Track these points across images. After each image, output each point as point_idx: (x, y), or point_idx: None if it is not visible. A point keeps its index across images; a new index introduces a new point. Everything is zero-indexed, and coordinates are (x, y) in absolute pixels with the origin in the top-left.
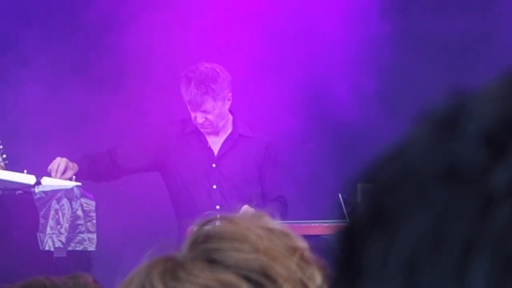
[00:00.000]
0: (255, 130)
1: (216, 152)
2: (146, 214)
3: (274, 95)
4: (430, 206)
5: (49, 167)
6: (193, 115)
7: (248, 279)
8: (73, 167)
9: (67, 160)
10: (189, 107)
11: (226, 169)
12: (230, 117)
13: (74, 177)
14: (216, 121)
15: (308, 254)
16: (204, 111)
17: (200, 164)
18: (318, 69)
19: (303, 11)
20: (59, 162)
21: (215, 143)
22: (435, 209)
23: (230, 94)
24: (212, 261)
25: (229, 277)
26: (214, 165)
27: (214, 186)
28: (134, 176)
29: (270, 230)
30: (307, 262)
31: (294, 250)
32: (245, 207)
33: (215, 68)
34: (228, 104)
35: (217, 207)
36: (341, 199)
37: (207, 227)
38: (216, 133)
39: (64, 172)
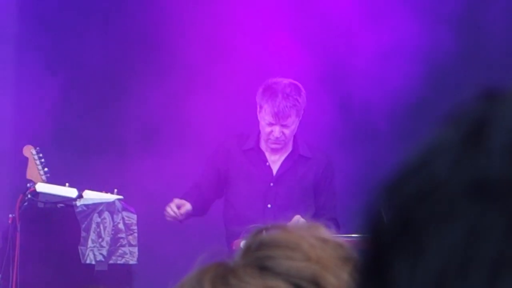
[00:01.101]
0: (314, 150)
1: (275, 171)
2: (189, 228)
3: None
4: (458, 222)
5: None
6: (268, 129)
7: (298, 287)
8: (186, 205)
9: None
10: (268, 120)
11: (283, 189)
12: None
13: (116, 190)
14: (290, 137)
15: None
16: (285, 125)
17: (258, 182)
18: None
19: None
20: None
21: (275, 162)
22: (463, 224)
23: (302, 112)
24: (263, 268)
25: (279, 284)
26: (271, 184)
27: (269, 205)
28: (176, 190)
29: (324, 241)
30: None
31: (347, 261)
32: (297, 217)
33: (296, 83)
34: (298, 122)
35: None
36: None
37: (262, 235)
38: (279, 151)
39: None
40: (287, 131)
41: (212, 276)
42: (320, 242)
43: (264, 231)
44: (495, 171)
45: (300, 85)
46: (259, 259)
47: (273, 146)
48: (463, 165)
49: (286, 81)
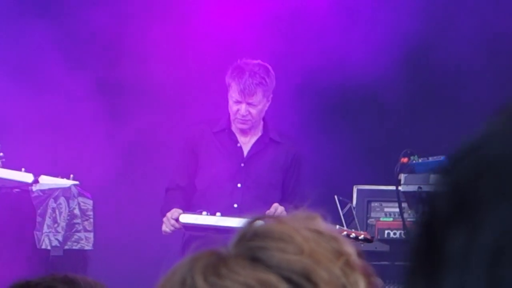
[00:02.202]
0: (283, 137)
1: (246, 152)
2: (144, 215)
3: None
4: None
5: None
6: (236, 107)
7: (289, 280)
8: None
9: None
10: (235, 98)
11: (253, 170)
12: (261, 121)
13: (72, 175)
14: (256, 117)
15: (354, 259)
16: (251, 104)
17: (229, 162)
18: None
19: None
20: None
21: (245, 144)
22: None
23: (271, 96)
24: (255, 260)
25: (269, 277)
26: (242, 165)
27: (239, 185)
28: (133, 175)
29: (319, 233)
30: (352, 267)
31: (340, 254)
32: (275, 205)
33: (266, 64)
34: (267, 105)
35: (235, 205)
36: (337, 201)
37: (256, 225)
38: (248, 132)
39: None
40: (253, 111)
41: (204, 265)
42: (314, 234)
43: (259, 220)
44: None
45: (269, 67)
46: (252, 250)
47: (240, 125)
48: None
49: (255, 61)
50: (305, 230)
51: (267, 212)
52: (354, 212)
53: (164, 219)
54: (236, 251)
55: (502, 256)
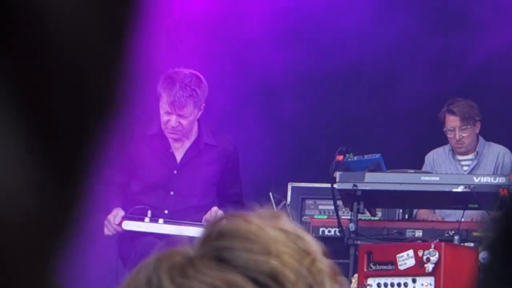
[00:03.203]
0: (218, 138)
1: (179, 158)
2: None
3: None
4: None
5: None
6: (166, 117)
7: (255, 281)
8: (118, 213)
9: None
10: (165, 109)
11: (187, 178)
12: (196, 123)
13: None
14: (187, 128)
15: (321, 258)
16: (181, 115)
17: (161, 168)
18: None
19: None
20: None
21: (178, 150)
22: None
23: (203, 105)
24: (221, 260)
25: (236, 277)
26: (175, 172)
27: (172, 193)
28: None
29: (285, 232)
30: (318, 267)
31: (306, 254)
32: (215, 208)
33: (198, 74)
34: (199, 114)
35: (166, 211)
36: (272, 198)
37: (222, 224)
38: (179, 140)
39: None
40: (184, 122)
41: (170, 266)
42: (281, 233)
43: (225, 219)
44: None
45: (201, 76)
46: (218, 250)
47: (171, 135)
48: None
49: (186, 71)
50: (271, 229)
51: (205, 216)
52: (288, 210)
53: (106, 222)
54: (202, 251)
55: None
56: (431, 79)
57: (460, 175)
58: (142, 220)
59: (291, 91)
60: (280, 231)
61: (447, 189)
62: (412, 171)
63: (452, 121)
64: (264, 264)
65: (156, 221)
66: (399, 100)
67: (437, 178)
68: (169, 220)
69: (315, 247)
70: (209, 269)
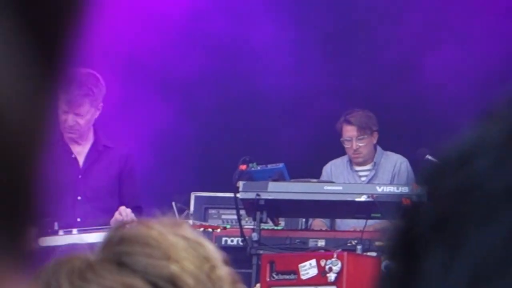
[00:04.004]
0: (114, 141)
1: (81, 163)
2: None
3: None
4: (499, 222)
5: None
6: (64, 117)
7: (155, 285)
8: None
9: None
10: (63, 108)
11: (91, 181)
12: (92, 127)
13: None
14: (85, 127)
15: (221, 266)
16: (78, 114)
17: (66, 174)
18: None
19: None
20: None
21: (80, 154)
22: (504, 225)
23: (101, 104)
24: (121, 264)
25: (135, 281)
26: (80, 176)
27: (79, 198)
28: None
29: (186, 239)
30: (218, 274)
31: (207, 261)
32: (122, 207)
33: (95, 74)
34: (97, 114)
35: (78, 219)
36: (174, 208)
37: (124, 230)
38: (79, 141)
39: None
40: (81, 120)
41: (69, 270)
42: (182, 240)
43: (127, 225)
44: None
45: (99, 76)
46: (118, 255)
47: (69, 135)
48: (506, 165)
49: (84, 70)
50: (172, 236)
51: (116, 215)
52: (191, 219)
53: None
54: (103, 255)
55: (481, 282)
56: (335, 92)
57: (363, 184)
58: (56, 233)
59: (193, 99)
60: (181, 238)
61: (349, 199)
62: (315, 180)
63: (349, 131)
64: (163, 269)
65: (70, 232)
66: (302, 109)
67: (340, 188)
68: (83, 228)
69: (216, 254)
70: (109, 273)
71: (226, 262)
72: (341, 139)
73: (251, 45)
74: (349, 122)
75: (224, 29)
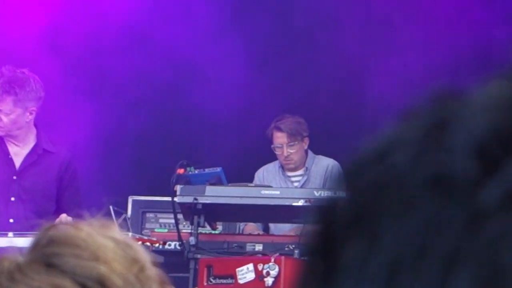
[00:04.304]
0: (57, 146)
1: (18, 164)
2: None
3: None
4: (416, 214)
5: None
6: None
7: (83, 286)
8: None
9: None
10: None
11: (27, 183)
12: (34, 130)
13: None
14: (9, 126)
15: (150, 267)
16: (1, 111)
17: (1, 174)
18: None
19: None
20: None
21: (17, 155)
22: (421, 218)
23: (34, 108)
24: (50, 265)
25: (64, 282)
26: (15, 177)
27: (12, 199)
28: None
29: (114, 240)
30: (147, 275)
31: (135, 262)
32: (63, 215)
33: (31, 77)
34: (29, 117)
35: (11, 220)
36: (112, 211)
37: (52, 231)
38: (17, 143)
39: None
40: (5, 119)
41: None
42: (110, 241)
43: (56, 227)
44: (457, 166)
45: (32, 80)
46: (46, 256)
47: None
48: (424, 159)
49: (17, 70)
50: (101, 237)
51: (56, 222)
52: (129, 223)
53: None
54: (31, 257)
55: (398, 275)
56: (272, 98)
57: (300, 189)
58: None
59: (130, 102)
60: (109, 239)
61: (287, 203)
62: (253, 184)
63: (279, 138)
64: (92, 269)
65: (6, 235)
66: (240, 113)
67: (278, 192)
68: (18, 233)
69: (144, 255)
70: (37, 274)
71: (155, 264)
72: (272, 146)
73: (191, 51)
74: (279, 129)
75: (164, 35)
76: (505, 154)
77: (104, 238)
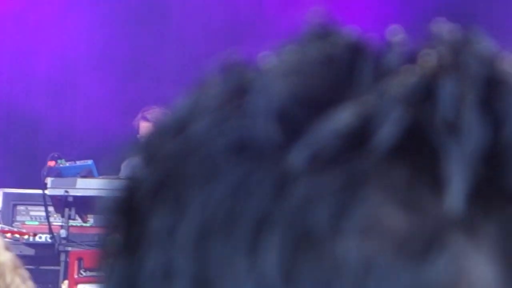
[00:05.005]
0: None
1: None
2: None
3: None
4: (222, 180)
5: None
6: None
7: None
8: None
9: None
10: None
11: None
12: None
13: None
14: None
15: (2, 252)
16: None
17: None
18: None
19: None
20: None
21: None
22: (227, 183)
23: None
24: None
25: None
26: None
27: None
28: None
29: None
30: (9, 270)
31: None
32: None
33: None
34: None
35: None
36: None
37: None
38: None
39: None
40: None
41: None
42: None
43: None
44: (259, 131)
45: None
46: None
47: None
48: (225, 125)
49: None
50: None
51: None
52: None
53: None
54: None
55: (207, 241)
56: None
57: None
58: None
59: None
60: None
61: None
62: (124, 177)
63: (145, 128)
64: None
65: None
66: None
67: None
68: None
69: (6, 252)
70: None
71: (8, 248)
72: (138, 135)
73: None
74: (145, 119)
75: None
76: (306, 118)
77: None
